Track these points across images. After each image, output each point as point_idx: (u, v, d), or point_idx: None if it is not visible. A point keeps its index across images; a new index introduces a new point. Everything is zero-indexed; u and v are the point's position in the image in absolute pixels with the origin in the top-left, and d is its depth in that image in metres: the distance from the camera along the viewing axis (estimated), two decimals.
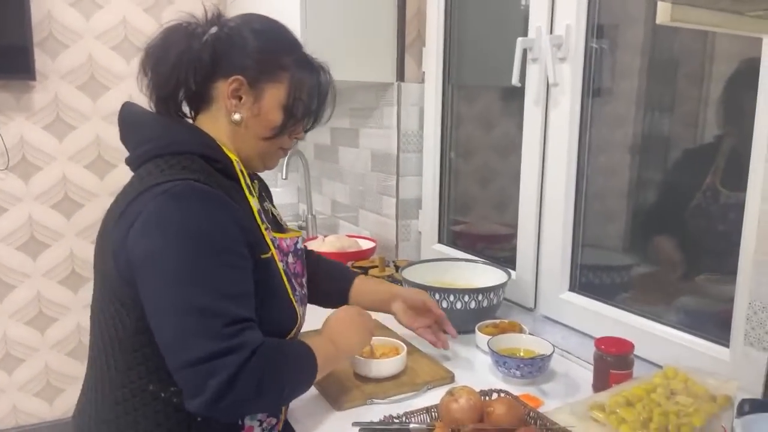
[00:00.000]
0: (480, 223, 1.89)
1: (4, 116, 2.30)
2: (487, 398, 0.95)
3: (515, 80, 1.39)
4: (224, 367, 0.76)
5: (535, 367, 1.12)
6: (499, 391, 0.97)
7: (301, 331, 1.05)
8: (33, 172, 2.38)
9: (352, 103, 2.14)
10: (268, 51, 0.95)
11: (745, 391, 0.95)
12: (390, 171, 1.93)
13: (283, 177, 2.18)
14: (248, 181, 0.97)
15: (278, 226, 1.08)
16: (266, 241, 0.93)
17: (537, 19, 1.38)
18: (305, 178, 2.41)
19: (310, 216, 2.38)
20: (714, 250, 1.20)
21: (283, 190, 2.78)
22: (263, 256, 0.91)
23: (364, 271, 1.71)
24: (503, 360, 1.13)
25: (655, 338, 1.17)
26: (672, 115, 1.27)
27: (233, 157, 0.95)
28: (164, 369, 0.83)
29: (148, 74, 0.94)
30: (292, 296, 0.96)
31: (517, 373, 1.12)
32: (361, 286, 1.23)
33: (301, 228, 2.51)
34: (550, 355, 1.14)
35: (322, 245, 1.87)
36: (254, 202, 0.95)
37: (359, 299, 1.22)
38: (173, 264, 0.80)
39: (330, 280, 1.22)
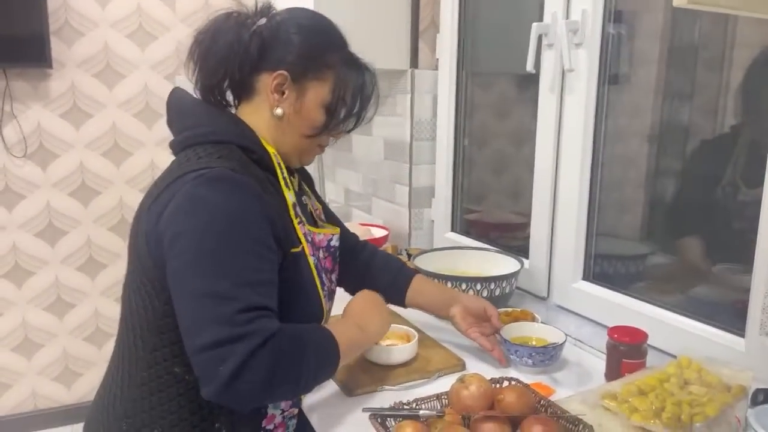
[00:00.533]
0: (493, 212, 1.88)
1: (22, 104, 2.33)
2: (497, 386, 0.95)
3: (530, 66, 1.37)
4: (233, 353, 0.75)
5: (546, 356, 1.12)
6: (509, 379, 0.97)
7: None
8: (50, 160, 2.42)
9: None
10: (315, 48, 0.94)
11: (760, 381, 0.94)
12: (403, 159, 1.92)
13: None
14: (285, 174, 0.96)
15: (314, 221, 1.07)
16: (298, 234, 0.93)
17: (552, 5, 1.36)
18: (319, 167, 2.41)
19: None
20: (731, 240, 1.18)
21: None
22: (293, 250, 0.91)
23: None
24: (515, 348, 1.13)
25: (669, 328, 1.16)
26: (691, 103, 1.25)
27: (271, 150, 0.94)
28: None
29: (196, 62, 0.95)
30: (320, 291, 0.96)
31: (529, 361, 1.12)
32: (419, 285, 1.22)
33: None
34: (562, 344, 1.13)
35: None
36: (290, 195, 0.95)
37: (417, 299, 1.21)
38: (197, 246, 0.80)
39: (387, 274, 1.21)
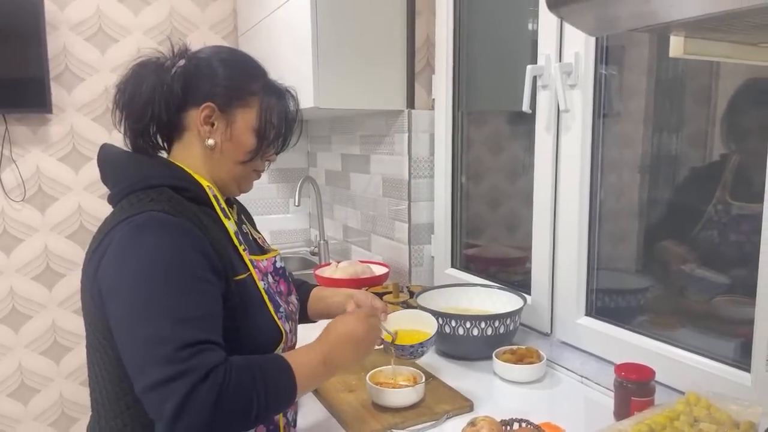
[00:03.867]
0: (492, 247, 1.90)
1: (21, 149, 2.35)
2: (508, 428, 0.95)
3: (526, 107, 1.41)
4: (175, 390, 0.77)
5: (407, 351, 1.13)
6: (520, 421, 0.97)
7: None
8: (49, 203, 2.42)
9: (362, 129, 2.16)
10: (237, 78, 0.99)
11: None
12: (401, 196, 1.94)
13: (296, 204, 2.21)
14: (223, 205, 1.00)
15: (259, 248, 1.10)
16: (244, 261, 0.96)
17: (546, 47, 1.40)
18: (317, 204, 2.43)
19: (322, 242, 2.39)
20: (729, 269, 1.19)
21: (295, 216, 2.81)
22: (237, 278, 0.93)
23: (378, 297, 1.70)
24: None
25: (674, 363, 1.16)
26: (680, 133, 1.28)
27: (205, 183, 0.98)
28: None
29: (122, 109, 0.98)
30: (274, 314, 0.97)
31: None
32: (317, 294, 1.25)
33: (313, 254, 2.52)
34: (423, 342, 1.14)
35: (335, 271, 1.88)
36: (230, 225, 0.98)
37: (316, 307, 1.23)
38: (132, 293, 0.83)
39: None
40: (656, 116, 1.33)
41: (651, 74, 1.33)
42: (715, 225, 1.19)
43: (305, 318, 1.24)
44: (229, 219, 0.99)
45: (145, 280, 0.83)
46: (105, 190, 2.56)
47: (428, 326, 1.19)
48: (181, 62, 0.98)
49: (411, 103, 1.90)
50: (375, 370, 1.19)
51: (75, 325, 2.52)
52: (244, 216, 1.14)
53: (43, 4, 2.22)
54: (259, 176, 1.07)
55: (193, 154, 0.99)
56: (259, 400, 0.83)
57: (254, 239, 1.10)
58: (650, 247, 1.38)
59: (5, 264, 2.38)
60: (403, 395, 1.12)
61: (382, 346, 1.13)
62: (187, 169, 0.97)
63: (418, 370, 1.21)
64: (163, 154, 1.04)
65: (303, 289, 1.26)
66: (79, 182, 2.46)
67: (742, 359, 1.07)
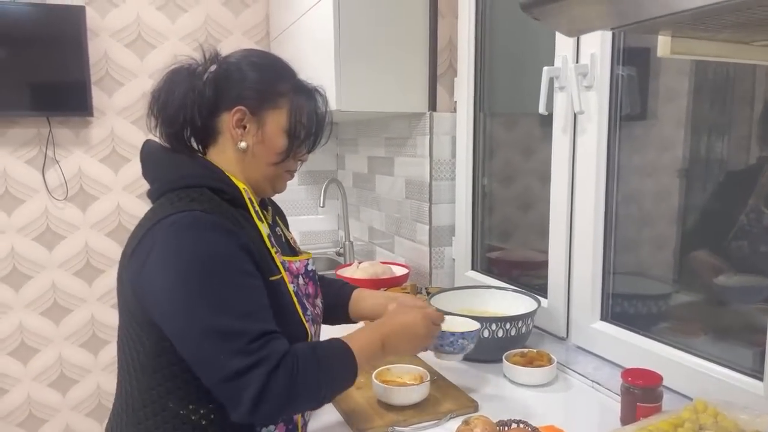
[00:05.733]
0: (516, 250, 1.88)
1: (65, 150, 2.47)
2: (505, 428, 0.95)
3: (542, 109, 1.40)
4: (254, 379, 0.83)
5: (446, 341, 1.13)
6: (518, 422, 0.97)
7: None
8: (90, 202, 2.54)
9: (387, 132, 2.18)
10: (266, 80, 1.01)
11: None
12: (423, 198, 1.95)
13: (321, 205, 2.25)
14: (257, 208, 1.02)
15: (291, 249, 1.12)
16: (276, 263, 0.98)
17: (562, 49, 1.39)
18: (342, 206, 2.46)
19: (347, 242, 2.42)
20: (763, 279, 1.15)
21: (324, 218, 2.85)
22: (272, 278, 0.95)
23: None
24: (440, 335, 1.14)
25: (687, 370, 1.14)
26: (709, 137, 1.24)
27: (241, 186, 1.00)
28: (182, 388, 0.90)
29: (156, 115, 1.01)
30: (302, 316, 0.99)
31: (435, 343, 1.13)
32: (358, 295, 1.25)
33: (339, 254, 2.56)
34: (465, 333, 1.15)
35: (356, 272, 1.90)
36: (264, 228, 1.00)
37: (358, 307, 1.24)
38: (187, 292, 0.86)
39: (330, 296, 1.24)
40: (688, 118, 1.28)
41: (666, 75, 1.29)
42: (747, 234, 1.15)
43: (346, 318, 1.25)
44: (262, 222, 1.01)
45: (198, 279, 0.85)
46: (143, 190, 2.66)
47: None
48: (213, 67, 1.00)
49: (433, 106, 1.91)
50: (382, 368, 1.21)
51: (113, 319, 2.62)
52: (278, 217, 1.17)
53: (85, 13, 2.33)
54: (292, 176, 1.09)
55: (227, 157, 1.01)
56: (327, 383, 0.91)
57: (287, 240, 1.13)
58: (672, 253, 1.35)
59: (48, 259, 2.51)
60: (408, 394, 1.13)
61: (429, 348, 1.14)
62: (225, 172, 1.00)
63: (425, 370, 1.22)
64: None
65: (344, 290, 1.27)
66: (118, 182, 2.56)
67: (759, 367, 1.04)
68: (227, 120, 0.99)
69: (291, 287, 1.00)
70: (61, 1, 2.35)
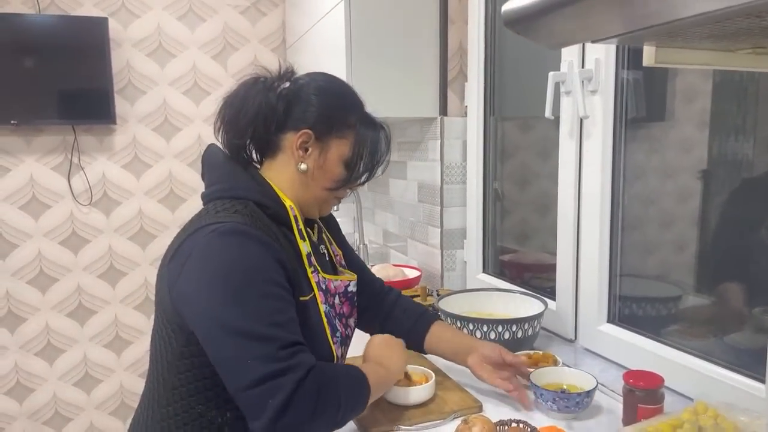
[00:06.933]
0: (526, 253, 1.90)
1: (89, 157, 2.56)
2: (505, 428, 0.97)
3: (548, 113, 1.42)
4: (282, 386, 0.82)
5: (571, 402, 1.10)
6: (517, 421, 0.99)
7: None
8: (113, 207, 2.62)
9: (400, 137, 2.21)
10: (336, 108, 1.03)
11: None
12: (435, 202, 1.98)
13: (335, 209, 2.28)
14: (301, 226, 1.03)
15: (334, 268, 1.14)
16: (310, 283, 1.00)
17: (568, 54, 1.41)
18: (357, 209, 2.50)
19: (362, 245, 2.45)
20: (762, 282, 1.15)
21: (341, 221, 2.88)
22: (302, 298, 0.97)
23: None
24: (540, 392, 1.13)
25: (691, 372, 1.14)
26: (711, 142, 1.24)
27: (288, 203, 1.01)
28: (205, 392, 0.93)
29: (226, 123, 1.03)
30: (330, 338, 1.01)
31: (554, 406, 1.11)
32: (438, 331, 1.25)
33: None
34: (589, 391, 1.12)
35: None
36: (305, 246, 1.01)
37: (435, 345, 1.25)
38: (221, 297, 0.87)
39: (408, 320, 1.26)
40: (705, 120, 1.28)
41: (677, 79, 1.30)
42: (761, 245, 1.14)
43: (420, 347, 1.26)
44: (304, 240, 1.02)
45: (234, 285, 0.87)
46: (164, 195, 2.75)
47: (586, 383, 1.17)
48: (286, 84, 1.02)
49: (444, 111, 1.93)
50: None
51: (135, 320, 2.70)
52: (326, 234, 1.18)
53: (108, 24, 2.41)
54: (339, 202, 1.12)
55: (284, 175, 1.03)
56: (346, 400, 0.91)
57: (330, 258, 1.15)
58: (683, 257, 1.35)
59: (73, 262, 2.59)
60: (412, 393, 1.16)
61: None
62: (274, 187, 1.01)
63: (429, 370, 1.25)
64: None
65: (424, 319, 1.28)
66: (140, 188, 2.64)
67: (760, 369, 1.04)
68: (292, 139, 1.01)
69: (323, 308, 1.01)
70: (85, 13, 2.44)
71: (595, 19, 0.55)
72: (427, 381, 1.20)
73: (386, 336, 1.15)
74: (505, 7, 0.60)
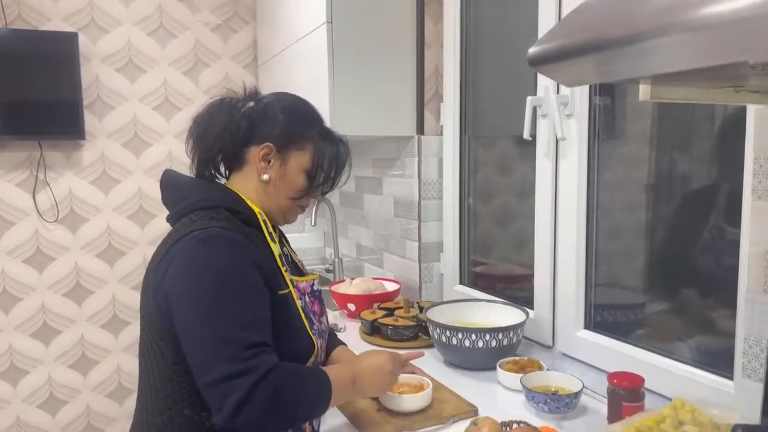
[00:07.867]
0: (499, 265, 2.00)
1: (55, 173, 2.50)
2: (508, 428, 1.04)
3: (526, 134, 1.52)
4: (240, 386, 0.89)
5: (561, 403, 1.21)
6: (519, 422, 1.06)
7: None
8: (80, 224, 2.57)
9: (375, 153, 2.29)
10: (295, 123, 1.13)
11: (745, 420, 1.03)
12: (412, 216, 2.05)
13: (312, 224, 2.33)
14: (270, 229, 1.12)
15: (297, 270, 1.22)
16: (285, 279, 1.08)
17: (545, 79, 1.52)
18: (332, 224, 2.54)
19: (336, 259, 2.50)
20: (723, 288, 1.27)
21: (311, 235, 2.93)
22: (280, 292, 1.05)
23: (390, 312, 1.81)
24: (532, 395, 1.23)
25: (665, 372, 1.25)
26: (681, 156, 1.36)
27: (257, 209, 1.10)
28: (197, 395, 0.97)
29: (195, 140, 1.12)
30: (309, 329, 1.09)
31: (545, 407, 1.21)
32: (338, 355, 1.27)
33: (328, 271, 2.64)
34: (577, 393, 1.22)
35: (349, 287, 1.99)
36: (275, 247, 1.10)
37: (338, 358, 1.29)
38: (197, 298, 0.95)
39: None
40: (653, 141, 1.41)
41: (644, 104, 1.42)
42: (710, 248, 1.27)
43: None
44: (274, 242, 1.11)
45: (210, 287, 0.95)
46: (132, 211, 2.71)
47: (572, 385, 1.27)
48: (251, 104, 1.12)
49: (421, 129, 2.02)
50: None
51: (102, 339, 2.65)
52: (284, 240, 1.27)
53: (77, 39, 2.39)
54: (303, 211, 1.20)
55: (249, 185, 1.11)
56: (304, 404, 0.98)
57: (293, 261, 1.23)
58: (649, 265, 1.47)
59: (38, 281, 2.52)
60: (412, 401, 1.22)
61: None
62: (241, 196, 1.10)
63: (426, 378, 1.31)
64: (221, 180, 1.17)
65: (331, 340, 1.31)
66: (108, 204, 2.60)
67: (729, 369, 1.16)
68: (255, 152, 1.10)
69: (299, 302, 1.09)
70: (53, 28, 2.40)
71: (611, 67, 0.64)
72: (424, 389, 1.26)
73: (385, 363, 1.15)
74: (531, 50, 0.69)
